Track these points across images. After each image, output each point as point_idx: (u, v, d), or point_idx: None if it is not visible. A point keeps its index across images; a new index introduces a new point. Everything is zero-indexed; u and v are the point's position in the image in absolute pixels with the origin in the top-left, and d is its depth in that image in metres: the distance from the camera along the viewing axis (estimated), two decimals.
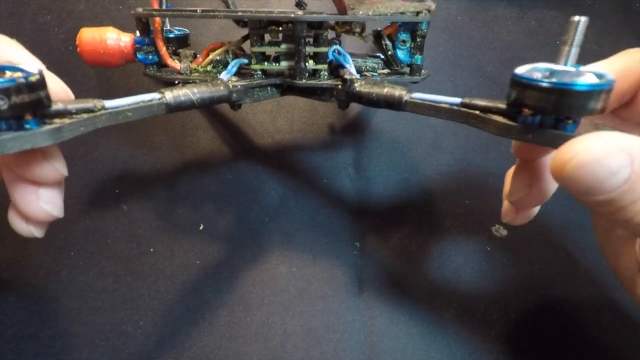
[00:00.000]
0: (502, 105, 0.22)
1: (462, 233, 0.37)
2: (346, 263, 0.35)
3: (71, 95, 0.26)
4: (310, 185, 0.39)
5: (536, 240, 0.37)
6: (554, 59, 0.20)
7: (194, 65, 0.31)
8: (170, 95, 0.26)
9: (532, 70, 0.20)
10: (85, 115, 0.24)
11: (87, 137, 0.40)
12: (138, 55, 0.30)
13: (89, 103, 0.24)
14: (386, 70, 0.32)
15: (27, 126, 0.21)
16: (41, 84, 0.21)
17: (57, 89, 0.25)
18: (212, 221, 0.36)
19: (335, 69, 0.31)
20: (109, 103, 0.25)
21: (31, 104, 0.21)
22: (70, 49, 0.45)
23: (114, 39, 0.29)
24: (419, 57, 0.30)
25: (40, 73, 0.21)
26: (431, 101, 0.24)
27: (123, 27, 0.47)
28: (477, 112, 0.23)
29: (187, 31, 0.33)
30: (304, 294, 0.34)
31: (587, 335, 0.33)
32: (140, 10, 0.29)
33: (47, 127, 0.21)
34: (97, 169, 0.37)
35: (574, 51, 0.20)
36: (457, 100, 0.24)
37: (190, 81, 0.30)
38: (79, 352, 0.31)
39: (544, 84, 0.19)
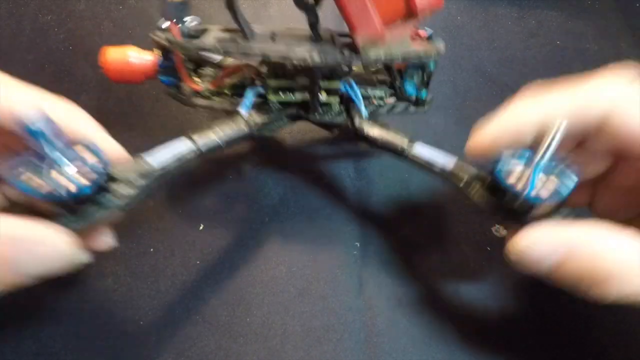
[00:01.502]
0: (485, 180, 0.25)
1: (462, 233, 0.37)
2: (346, 263, 0.35)
3: (125, 154, 0.27)
4: (310, 185, 0.39)
5: None
6: (535, 147, 0.22)
7: (212, 88, 0.32)
8: (202, 142, 0.28)
9: (512, 163, 0.23)
10: (142, 182, 0.25)
11: None
12: (161, 78, 0.31)
13: (145, 166, 0.26)
14: (393, 99, 0.33)
15: (98, 201, 0.22)
16: (110, 166, 0.23)
17: (116, 153, 0.26)
18: (212, 221, 0.35)
19: (347, 100, 0.32)
20: (155, 162, 0.26)
21: (103, 187, 0.22)
22: (70, 49, 0.45)
23: (135, 57, 0.30)
24: (425, 91, 0.32)
25: (108, 164, 0.23)
26: (427, 160, 0.28)
27: (123, 27, 0.47)
28: (464, 180, 0.26)
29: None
30: (304, 294, 0.34)
31: (587, 335, 0.33)
32: (159, 38, 0.29)
33: (116, 202, 0.23)
34: None
35: (552, 149, 0.21)
36: (451, 164, 0.27)
37: (210, 104, 0.31)
38: (79, 352, 0.31)
39: (516, 193, 0.22)
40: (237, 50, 0.28)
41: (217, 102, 0.31)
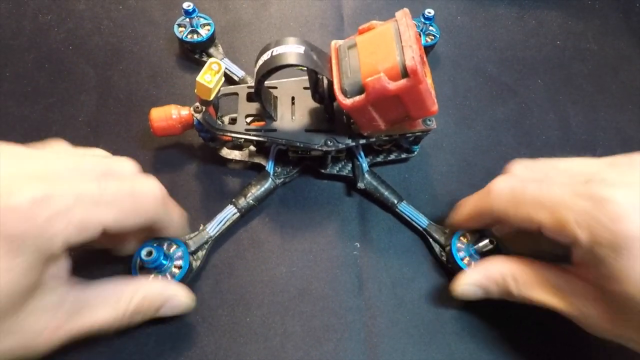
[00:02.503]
0: (442, 242, 0.35)
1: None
2: (346, 263, 0.35)
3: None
4: (310, 184, 0.39)
5: None
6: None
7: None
8: (241, 205, 0.35)
9: (459, 242, 0.34)
10: (206, 246, 0.34)
11: (88, 136, 0.40)
12: (201, 134, 0.36)
13: (207, 236, 0.34)
14: (389, 145, 0.39)
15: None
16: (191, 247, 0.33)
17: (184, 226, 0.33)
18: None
19: (351, 153, 0.38)
20: (212, 231, 0.34)
21: (191, 264, 0.32)
22: (70, 49, 0.45)
23: (176, 114, 0.36)
24: (416, 147, 0.39)
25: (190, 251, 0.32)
26: (410, 216, 0.37)
27: (123, 27, 0.47)
28: (431, 238, 0.36)
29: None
30: (304, 294, 0.34)
31: (588, 335, 0.33)
32: (198, 116, 0.34)
33: (195, 264, 0.33)
34: None
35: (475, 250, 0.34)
36: (424, 224, 0.36)
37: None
38: (79, 352, 0.31)
39: (457, 264, 0.33)
40: (266, 139, 0.34)
41: (244, 155, 0.38)
